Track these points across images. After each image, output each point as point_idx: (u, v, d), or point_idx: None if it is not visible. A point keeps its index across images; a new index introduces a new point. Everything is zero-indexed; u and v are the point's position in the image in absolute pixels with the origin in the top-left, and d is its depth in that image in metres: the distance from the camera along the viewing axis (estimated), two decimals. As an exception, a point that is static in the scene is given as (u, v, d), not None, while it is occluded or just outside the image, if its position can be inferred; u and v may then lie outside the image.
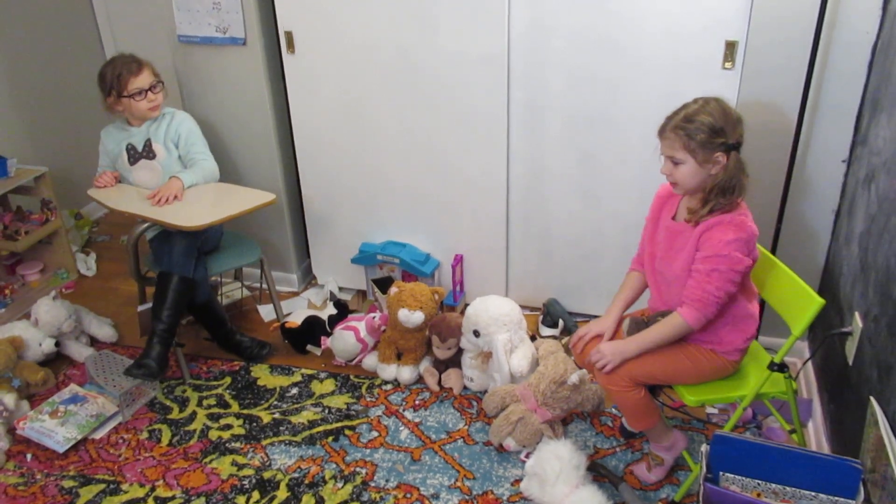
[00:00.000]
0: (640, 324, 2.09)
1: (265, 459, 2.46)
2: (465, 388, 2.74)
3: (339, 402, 2.71)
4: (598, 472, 2.33)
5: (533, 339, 2.74)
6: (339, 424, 2.60)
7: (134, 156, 2.80)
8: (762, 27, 2.32)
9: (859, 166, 2.31)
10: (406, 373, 2.75)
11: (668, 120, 1.96)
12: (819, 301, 1.92)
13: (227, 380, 2.84)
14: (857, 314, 2.09)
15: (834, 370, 2.32)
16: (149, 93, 2.72)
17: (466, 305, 2.71)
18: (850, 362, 2.11)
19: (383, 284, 2.99)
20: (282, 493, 2.33)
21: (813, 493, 1.87)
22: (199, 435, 2.58)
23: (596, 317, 2.34)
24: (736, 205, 1.96)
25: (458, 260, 3.07)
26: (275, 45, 2.92)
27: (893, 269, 1.85)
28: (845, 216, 2.42)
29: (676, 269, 2.04)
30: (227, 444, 2.53)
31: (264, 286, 3.16)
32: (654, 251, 2.15)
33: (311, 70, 2.87)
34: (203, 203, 2.73)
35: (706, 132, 1.89)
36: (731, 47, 2.37)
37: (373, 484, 2.35)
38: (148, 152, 2.79)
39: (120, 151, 2.81)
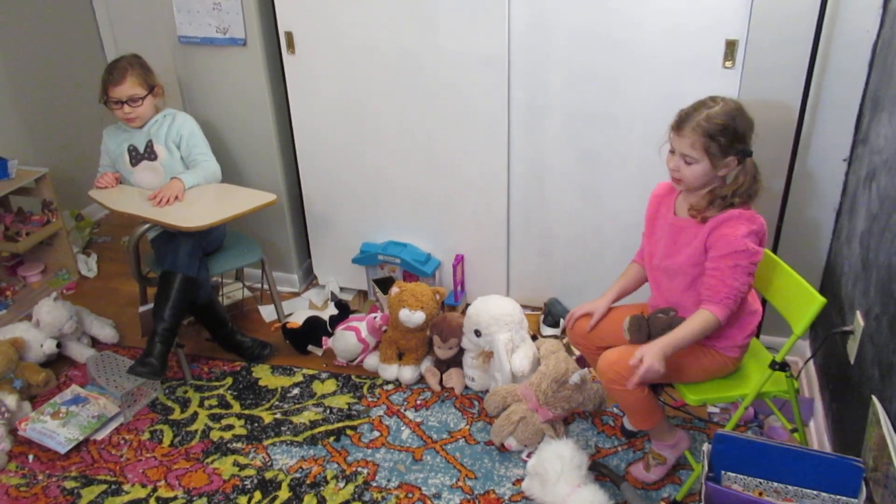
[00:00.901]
0: (640, 321, 2.09)
1: (267, 460, 2.46)
2: (466, 387, 2.74)
3: (341, 402, 2.71)
4: (599, 471, 2.33)
5: (534, 338, 2.74)
6: (341, 424, 2.60)
7: (135, 157, 2.80)
8: (762, 26, 2.32)
9: (860, 165, 2.31)
10: (407, 373, 2.75)
11: (687, 116, 1.93)
12: (820, 300, 1.92)
13: (229, 380, 2.84)
14: (858, 313, 2.09)
15: (835, 369, 2.32)
16: (125, 105, 2.71)
17: (467, 305, 2.71)
18: (852, 361, 2.11)
19: (384, 284, 2.99)
20: (283, 494, 2.33)
21: (815, 492, 1.87)
22: (200, 435, 2.58)
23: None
24: (744, 206, 1.97)
25: (459, 260, 3.07)
26: (275, 45, 2.92)
27: (895, 268, 1.85)
28: (846, 215, 2.42)
29: (681, 263, 2.03)
30: (228, 445, 2.53)
31: (265, 286, 3.16)
32: (653, 249, 2.15)
33: (311, 70, 2.87)
34: (204, 204, 2.73)
35: (729, 136, 1.89)
36: (731, 46, 2.37)
37: (374, 484, 2.35)
38: (150, 153, 2.79)
39: (122, 152, 2.81)
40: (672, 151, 1.99)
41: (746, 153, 1.93)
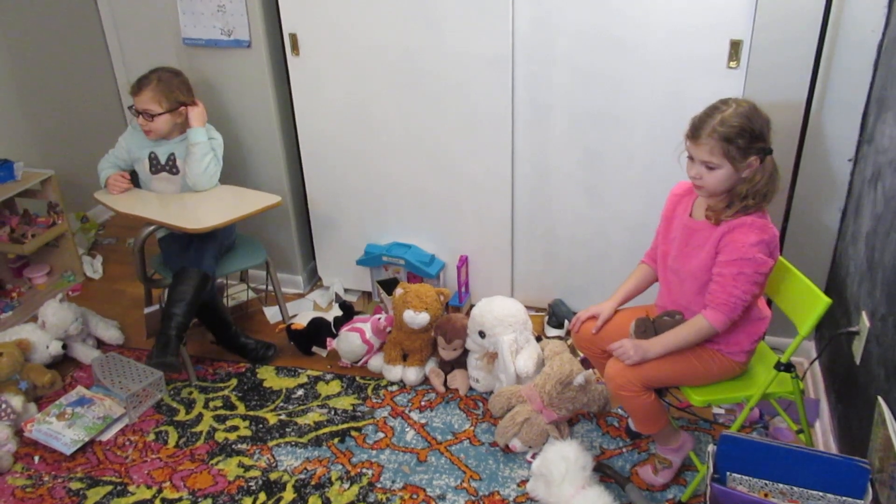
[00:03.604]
0: (646, 323, 2.09)
1: (271, 461, 2.47)
2: (470, 388, 2.73)
3: (345, 403, 2.71)
4: (604, 472, 2.33)
5: (538, 339, 2.73)
6: (345, 426, 2.60)
7: (156, 166, 2.81)
8: (767, 26, 2.31)
9: (865, 165, 2.30)
10: (412, 374, 2.75)
11: (701, 123, 1.91)
12: (826, 300, 1.91)
13: (234, 381, 2.84)
14: (863, 313, 2.08)
15: (841, 370, 2.31)
16: (141, 116, 2.72)
17: (472, 306, 2.71)
18: (858, 362, 2.10)
19: (388, 286, 2.99)
20: (288, 495, 2.33)
21: (821, 493, 1.86)
22: (205, 436, 2.58)
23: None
24: (759, 207, 1.95)
25: (464, 261, 3.07)
26: (279, 47, 2.93)
27: (900, 268, 1.84)
28: (852, 215, 2.41)
29: (693, 268, 2.02)
30: (233, 446, 2.53)
31: (270, 288, 3.16)
32: (667, 249, 2.14)
33: (315, 72, 2.87)
34: (208, 205, 2.74)
35: (746, 137, 1.87)
36: (735, 46, 2.36)
37: (379, 485, 2.35)
38: (171, 167, 2.80)
39: (143, 157, 2.82)
40: (691, 159, 1.96)
41: (767, 151, 1.91)
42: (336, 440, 2.54)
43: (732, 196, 1.95)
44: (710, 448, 1.96)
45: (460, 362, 2.77)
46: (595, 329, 2.25)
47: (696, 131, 1.92)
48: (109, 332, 3.06)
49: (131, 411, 2.66)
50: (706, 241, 1.99)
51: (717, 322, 1.97)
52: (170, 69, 2.77)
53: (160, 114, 2.71)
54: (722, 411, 2.57)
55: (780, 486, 1.91)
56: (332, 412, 2.67)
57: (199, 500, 2.33)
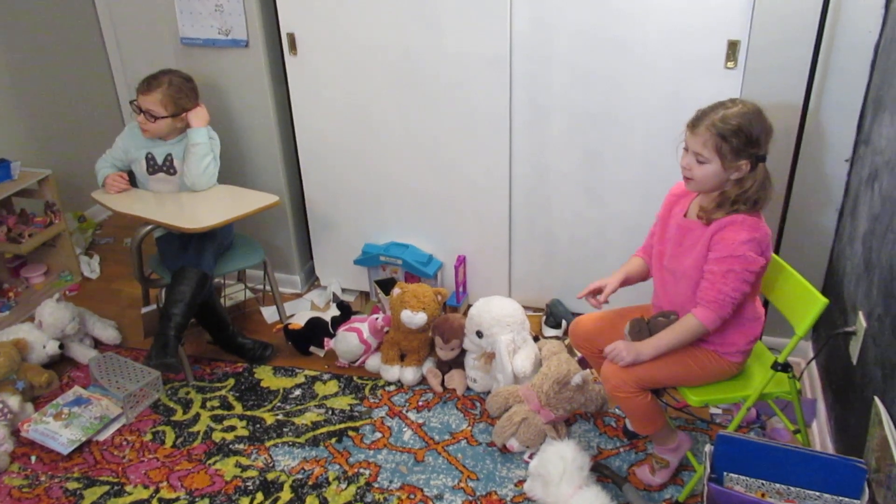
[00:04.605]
0: (640, 324, 2.09)
1: (269, 461, 2.47)
2: (468, 388, 2.73)
3: (343, 403, 2.71)
4: (601, 472, 2.33)
5: (536, 339, 2.73)
6: (343, 426, 2.60)
7: (153, 166, 2.81)
8: (764, 26, 2.32)
9: (862, 165, 2.30)
10: (409, 374, 2.75)
11: (704, 115, 1.92)
12: (823, 301, 1.92)
13: (231, 381, 2.84)
14: (860, 313, 2.08)
15: (838, 370, 2.32)
16: (142, 114, 2.72)
17: (469, 306, 2.71)
18: (854, 362, 2.10)
19: (386, 285, 2.99)
20: (285, 495, 2.33)
21: (817, 493, 1.86)
22: (202, 436, 2.58)
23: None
24: (750, 212, 1.95)
25: (461, 261, 3.07)
26: (277, 46, 2.92)
27: (897, 269, 1.84)
28: (849, 215, 2.41)
29: (686, 267, 2.02)
30: (230, 446, 2.53)
31: (268, 288, 3.16)
32: (662, 249, 2.14)
33: (313, 71, 2.87)
34: (206, 205, 2.74)
35: (741, 138, 1.87)
36: (733, 46, 2.37)
37: (376, 485, 2.35)
38: (168, 167, 2.80)
39: (140, 157, 2.82)
40: (686, 150, 1.98)
41: (759, 158, 1.92)
42: (333, 440, 2.54)
43: (723, 198, 1.95)
44: (708, 448, 1.96)
45: (458, 362, 2.77)
46: (602, 297, 2.19)
47: (696, 122, 1.93)
48: (107, 332, 3.06)
49: (128, 411, 2.65)
50: (698, 240, 1.99)
51: (707, 320, 1.97)
52: (181, 74, 2.77)
53: (163, 117, 2.71)
54: (719, 411, 2.58)
55: (777, 486, 1.92)
56: (330, 412, 2.67)
57: (197, 500, 2.33)
